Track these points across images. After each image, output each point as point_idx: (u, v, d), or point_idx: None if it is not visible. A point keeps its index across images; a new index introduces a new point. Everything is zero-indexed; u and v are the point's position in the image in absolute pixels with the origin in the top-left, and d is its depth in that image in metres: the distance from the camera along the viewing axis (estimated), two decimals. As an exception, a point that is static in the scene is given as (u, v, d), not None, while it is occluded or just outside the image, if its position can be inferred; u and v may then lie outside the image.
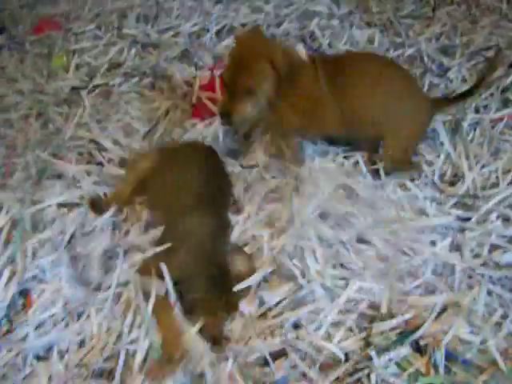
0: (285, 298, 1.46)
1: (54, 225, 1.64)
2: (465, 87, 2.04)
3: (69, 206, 1.71)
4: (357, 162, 1.83)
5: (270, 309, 1.45)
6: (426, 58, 2.26)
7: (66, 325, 1.44)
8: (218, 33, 2.46)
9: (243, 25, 2.45)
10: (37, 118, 2.10)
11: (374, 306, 1.44)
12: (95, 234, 1.63)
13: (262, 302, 1.46)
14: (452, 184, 1.82)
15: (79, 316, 1.46)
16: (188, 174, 1.64)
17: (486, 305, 1.42)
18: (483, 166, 1.82)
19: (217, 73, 2.08)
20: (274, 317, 1.43)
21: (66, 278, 1.50)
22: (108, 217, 1.66)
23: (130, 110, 2.07)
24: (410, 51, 2.30)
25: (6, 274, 1.50)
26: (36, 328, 1.44)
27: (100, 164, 1.87)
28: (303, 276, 1.47)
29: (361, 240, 1.56)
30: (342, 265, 1.52)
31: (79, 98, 2.16)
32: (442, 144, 1.91)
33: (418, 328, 1.36)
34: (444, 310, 1.41)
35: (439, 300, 1.41)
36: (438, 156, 1.89)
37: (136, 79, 2.23)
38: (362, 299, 1.44)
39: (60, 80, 2.29)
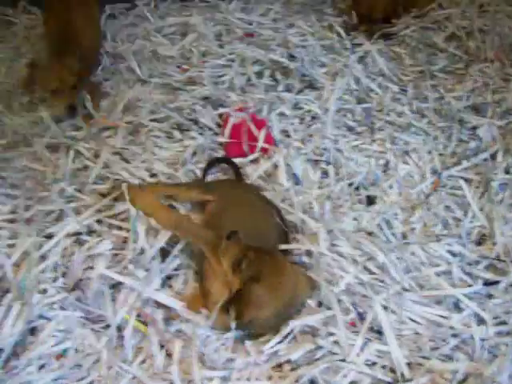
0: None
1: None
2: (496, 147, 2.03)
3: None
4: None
5: (287, 361, 1.41)
6: (455, 115, 2.23)
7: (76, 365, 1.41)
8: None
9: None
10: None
11: (391, 369, 1.38)
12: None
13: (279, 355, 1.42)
14: (479, 243, 1.78)
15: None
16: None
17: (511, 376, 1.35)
18: (512, 229, 1.77)
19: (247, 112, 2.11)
20: (291, 370, 1.39)
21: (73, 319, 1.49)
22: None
23: (157, 151, 2.06)
24: (437, 106, 2.29)
25: (16, 308, 1.47)
26: (41, 366, 1.41)
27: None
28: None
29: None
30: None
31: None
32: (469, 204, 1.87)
33: (437, 397, 1.30)
34: (465, 379, 1.34)
35: (460, 368, 1.35)
36: (465, 214, 1.85)
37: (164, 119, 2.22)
38: (379, 361, 1.39)
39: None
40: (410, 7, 2.80)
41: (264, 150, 2.03)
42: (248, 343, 1.44)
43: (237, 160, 2.01)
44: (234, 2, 2.80)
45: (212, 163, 1.99)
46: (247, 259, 1.46)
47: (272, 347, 1.43)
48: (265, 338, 1.47)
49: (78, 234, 1.72)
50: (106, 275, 1.57)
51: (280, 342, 1.44)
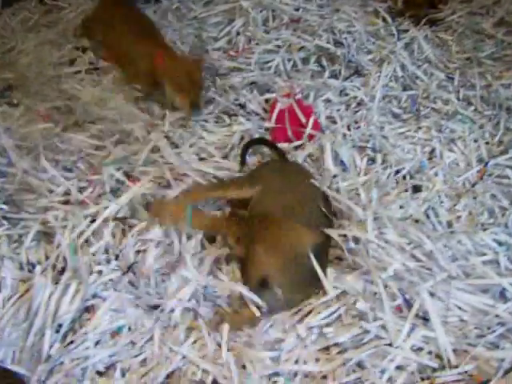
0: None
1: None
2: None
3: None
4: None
5: (335, 344, 1.44)
6: (503, 103, 2.22)
7: (130, 342, 1.47)
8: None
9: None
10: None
11: (437, 355, 1.40)
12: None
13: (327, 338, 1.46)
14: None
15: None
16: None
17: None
18: None
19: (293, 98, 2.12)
20: (338, 353, 1.43)
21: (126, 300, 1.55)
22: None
23: (206, 136, 2.10)
24: (484, 94, 2.27)
25: (73, 287, 1.53)
26: (97, 343, 1.47)
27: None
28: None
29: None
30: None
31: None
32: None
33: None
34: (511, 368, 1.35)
35: (507, 356, 1.37)
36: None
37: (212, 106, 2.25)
38: (426, 347, 1.41)
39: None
40: None
41: (310, 137, 2.04)
42: (299, 325, 1.48)
43: (282, 145, 2.02)
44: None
45: (250, 144, 2.01)
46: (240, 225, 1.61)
47: (320, 327, 1.47)
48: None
49: (124, 218, 1.78)
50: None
51: (328, 325, 1.47)
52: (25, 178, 1.88)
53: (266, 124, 2.11)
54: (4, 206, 1.80)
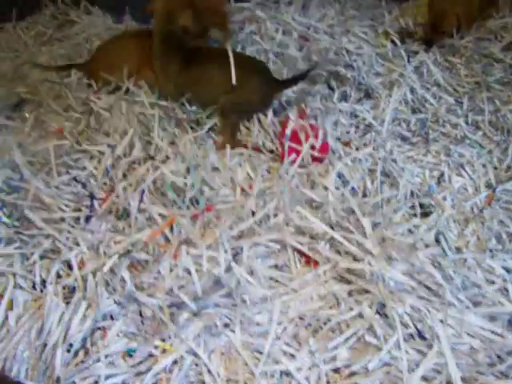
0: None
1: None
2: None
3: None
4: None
5: (346, 366, 1.45)
6: (511, 128, 2.24)
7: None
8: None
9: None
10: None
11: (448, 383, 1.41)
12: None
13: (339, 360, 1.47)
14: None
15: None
16: None
17: None
18: None
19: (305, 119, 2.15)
20: (348, 376, 1.44)
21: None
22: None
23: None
24: (492, 118, 2.29)
25: (84, 306, 1.54)
26: (108, 364, 1.48)
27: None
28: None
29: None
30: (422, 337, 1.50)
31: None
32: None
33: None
34: (522, 398, 1.37)
35: (516, 386, 1.38)
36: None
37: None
38: (437, 376, 1.42)
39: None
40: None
41: (318, 160, 2.06)
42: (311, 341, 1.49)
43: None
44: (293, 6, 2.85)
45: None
46: None
47: (334, 348, 1.48)
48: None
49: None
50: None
51: (339, 347, 1.48)
52: (37, 195, 1.90)
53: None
54: (16, 223, 1.82)
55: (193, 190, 1.89)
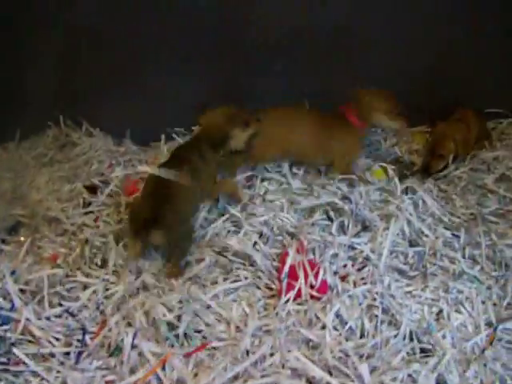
0: None
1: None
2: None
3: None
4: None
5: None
6: (509, 263, 2.23)
7: None
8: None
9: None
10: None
11: None
12: None
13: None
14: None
15: None
16: None
17: None
18: None
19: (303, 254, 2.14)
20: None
21: None
22: None
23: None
24: (489, 253, 2.28)
25: None
26: None
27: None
28: None
29: None
30: None
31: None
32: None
33: None
34: None
35: None
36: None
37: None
38: None
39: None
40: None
41: (315, 298, 2.04)
42: None
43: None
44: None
45: None
46: None
47: None
48: None
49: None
50: None
51: None
52: (27, 327, 1.86)
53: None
54: (3, 359, 1.77)
55: (186, 326, 1.85)
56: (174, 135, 3.02)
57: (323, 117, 2.64)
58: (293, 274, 2.04)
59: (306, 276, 2.04)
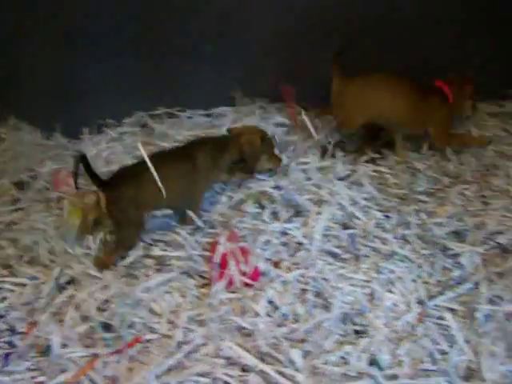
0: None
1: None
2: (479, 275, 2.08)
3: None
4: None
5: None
6: (438, 241, 2.28)
7: None
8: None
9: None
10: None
11: None
12: None
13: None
14: (467, 379, 1.76)
15: None
16: None
17: None
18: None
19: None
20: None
21: None
22: None
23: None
24: (420, 231, 2.33)
25: None
26: None
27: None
28: None
29: None
30: None
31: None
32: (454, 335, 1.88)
33: None
34: None
35: None
36: (451, 346, 1.85)
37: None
38: None
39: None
40: None
41: (248, 285, 2.04)
42: None
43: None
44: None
45: None
46: None
47: None
48: None
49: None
50: None
51: None
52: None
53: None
54: None
55: (118, 321, 1.82)
56: (105, 128, 2.97)
57: (417, 85, 2.72)
58: (224, 262, 2.04)
59: (238, 263, 2.03)
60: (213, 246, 2.12)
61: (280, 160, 2.56)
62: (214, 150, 2.33)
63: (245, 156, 2.39)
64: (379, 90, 2.66)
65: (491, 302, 2.01)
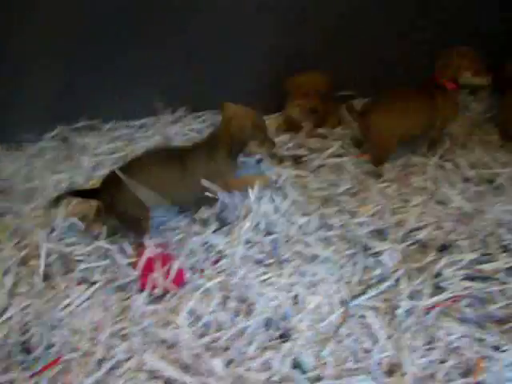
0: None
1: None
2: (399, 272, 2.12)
3: None
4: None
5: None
6: (359, 240, 2.32)
7: None
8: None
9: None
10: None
11: None
12: None
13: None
14: (390, 374, 1.80)
15: None
16: None
17: None
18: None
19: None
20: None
21: None
22: None
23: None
24: (342, 231, 2.37)
25: None
26: None
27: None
28: None
29: None
30: None
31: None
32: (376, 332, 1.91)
33: None
34: None
35: None
36: (374, 343, 1.88)
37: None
38: None
39: None
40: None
41: (172, 293, 2.04)
42: None
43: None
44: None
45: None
46: None
47: None
48: None
49: None
50: None
51: None
52: None
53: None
54: None
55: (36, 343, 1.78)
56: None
57: (423, 91, 2.74)
58: (147, 269, 2.05)
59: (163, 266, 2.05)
60: (139, 252, 2.13)
61: (273, 144, 2.55)
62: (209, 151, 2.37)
63: (233, 141, 2.37)
64: (400, 110, 2.69)
65: (411, 297, 2.05)
